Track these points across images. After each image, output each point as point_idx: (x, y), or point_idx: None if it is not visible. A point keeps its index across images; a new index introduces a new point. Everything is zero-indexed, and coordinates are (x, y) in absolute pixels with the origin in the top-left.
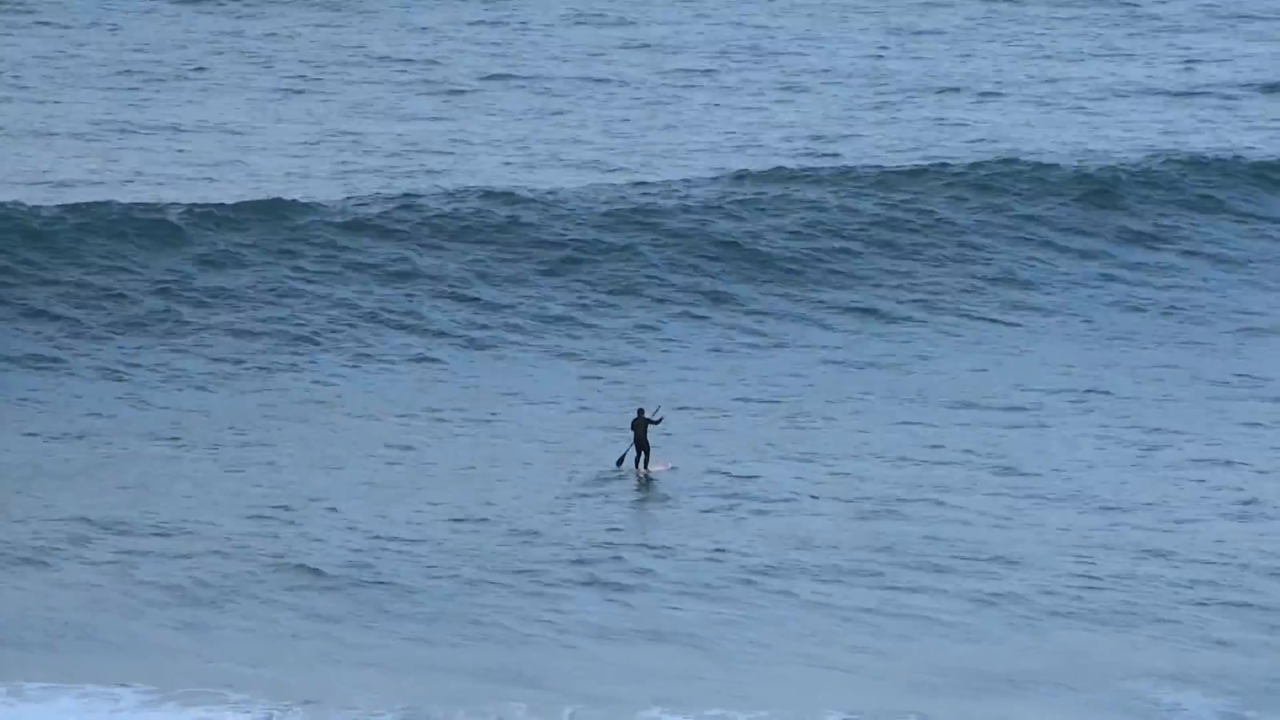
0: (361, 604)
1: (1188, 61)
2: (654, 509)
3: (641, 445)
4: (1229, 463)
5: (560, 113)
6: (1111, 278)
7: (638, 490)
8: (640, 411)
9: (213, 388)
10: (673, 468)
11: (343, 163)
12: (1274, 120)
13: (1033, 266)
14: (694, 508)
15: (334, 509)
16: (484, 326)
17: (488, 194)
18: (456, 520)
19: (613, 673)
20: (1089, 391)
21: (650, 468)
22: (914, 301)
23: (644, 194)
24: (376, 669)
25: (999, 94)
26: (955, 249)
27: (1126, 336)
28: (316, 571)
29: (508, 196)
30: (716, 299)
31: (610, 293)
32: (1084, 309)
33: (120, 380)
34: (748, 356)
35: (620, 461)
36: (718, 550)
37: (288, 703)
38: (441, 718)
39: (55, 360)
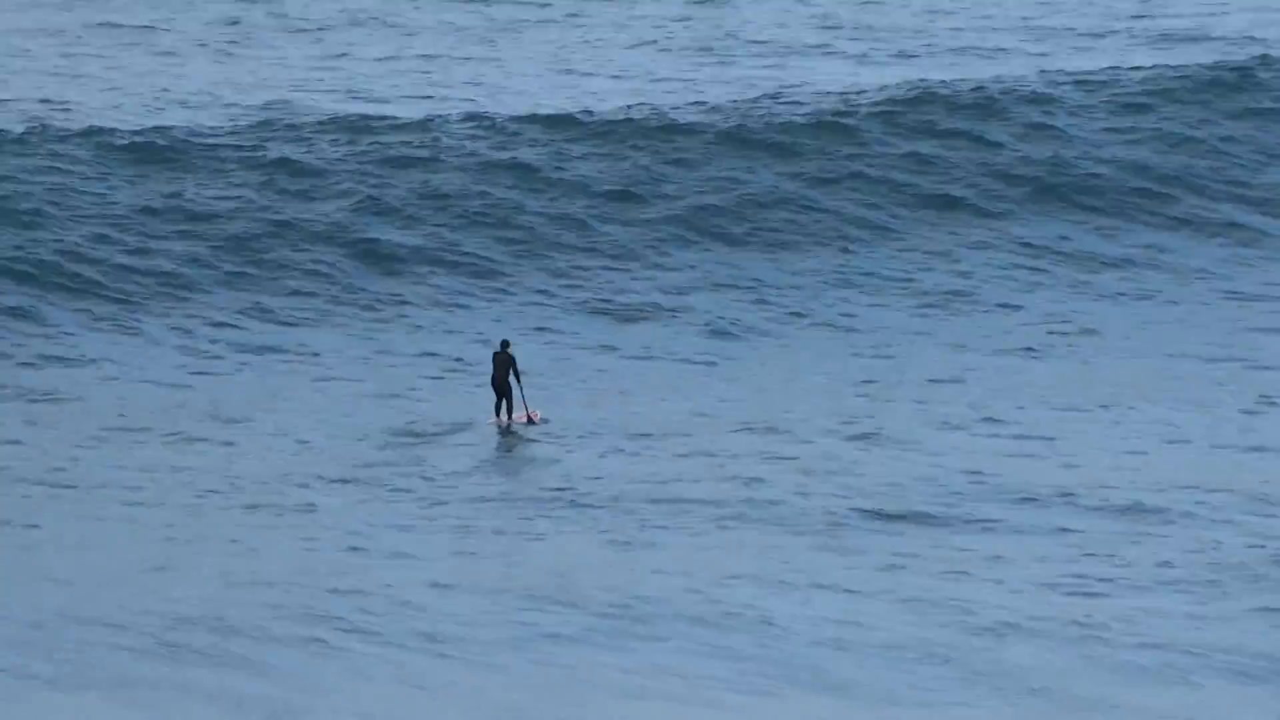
0: None
1: None
2: (494, 485)
3: (502, 390)
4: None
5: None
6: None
7: (497, 448)
8: (505, 344)
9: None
10: (544, 419)
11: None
12: None
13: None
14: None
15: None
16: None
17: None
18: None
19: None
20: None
21: (514, 416)
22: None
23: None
24: None
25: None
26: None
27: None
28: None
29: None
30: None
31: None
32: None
33: None
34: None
35: (499, 413)
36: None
37: None
38: None
39: None
